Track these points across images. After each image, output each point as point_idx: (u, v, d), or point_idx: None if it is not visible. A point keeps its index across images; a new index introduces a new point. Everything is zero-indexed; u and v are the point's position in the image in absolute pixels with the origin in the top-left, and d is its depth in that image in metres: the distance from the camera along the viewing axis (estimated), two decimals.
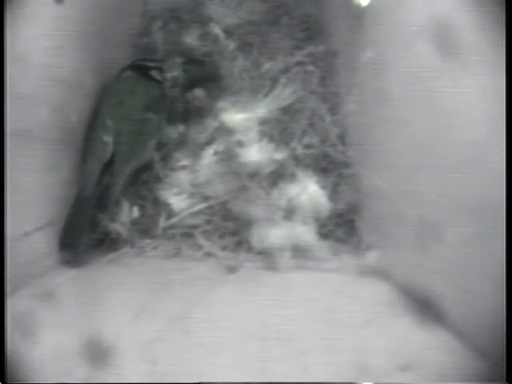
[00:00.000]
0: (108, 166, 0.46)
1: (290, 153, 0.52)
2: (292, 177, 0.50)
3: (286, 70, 0.58)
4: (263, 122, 0.53)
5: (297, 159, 0.52)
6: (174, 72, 0.56)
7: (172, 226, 0.50)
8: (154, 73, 0.54)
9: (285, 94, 0.55)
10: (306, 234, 0.47)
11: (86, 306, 0.35)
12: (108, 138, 0.46)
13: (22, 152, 0.38)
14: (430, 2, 0.35)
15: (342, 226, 0.49)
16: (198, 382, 0.29)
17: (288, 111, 0.55)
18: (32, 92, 0.40)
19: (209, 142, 0.53)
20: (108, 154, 0.46)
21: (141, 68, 0.54)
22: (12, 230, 0.35)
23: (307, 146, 0.53)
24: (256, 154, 0.51)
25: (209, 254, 0.48)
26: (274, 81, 0.57)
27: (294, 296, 0.39)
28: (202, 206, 0.50)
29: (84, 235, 0.44)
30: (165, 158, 0.52)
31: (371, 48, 0.45)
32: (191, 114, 0.56)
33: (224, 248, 0.49)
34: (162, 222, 0.50)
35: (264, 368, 0.30)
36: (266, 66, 0.59)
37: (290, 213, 0.48)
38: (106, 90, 0.52)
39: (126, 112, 0.49)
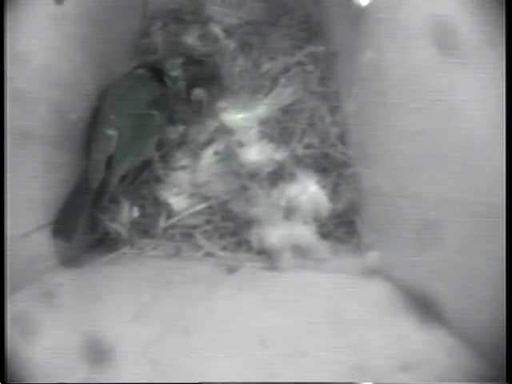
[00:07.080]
0: (111, 159, 0.46)
1: (290, 153, 0.52)
2: (292, 177, 0.50)
3: (286, 70, 0.58)
4: (263, 122, 0.53)
5: (297, 159, 0.52)
6: (174, 72, 0.56)
7: (172, 226, 0.50)
8: (159, 73, 0.55)
9: (285, 94, 0.55)
10: (306, 233, 0.47)
11: (86, 306, 0.35)
12: (111, 132, 0.46)
13: (22, 152, 0.38)
14: (430, 1, 0.35)
15: (342, 226, 0.49)
16: (198, 382, 0.29)
17: (288, 111, 0.55)
18: (32, 92, 0.39)
19: (209, 142, 0.53)
20: (111, 147, 0.46)
21: (148, 67, 0.54)
22: (12, 229, 0.35)
23: (307, 146, 0.53)
24: (256, 154, 0.51)
25: (209, 254, 0.48)
26: (274, 81, 0.57)
27: (293, 296, 0.39)
28: (202, 206, 0.50)
29: (79, 224, 0.43)
30: (165, 158, 0.52)
31: (371, 48, 0.45)
32: (191, 114, 0.56)
33: (224, 248, 0.49)
34: (162, 222, 0.50)
35: (264, 368, 0.30)
36: (266, 66, 0.59)
37: (289, 213, 0.48)
38: (110, 86, 0.52)
39: (128, 107, 0.49)
